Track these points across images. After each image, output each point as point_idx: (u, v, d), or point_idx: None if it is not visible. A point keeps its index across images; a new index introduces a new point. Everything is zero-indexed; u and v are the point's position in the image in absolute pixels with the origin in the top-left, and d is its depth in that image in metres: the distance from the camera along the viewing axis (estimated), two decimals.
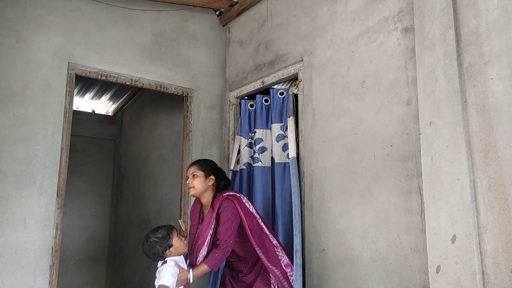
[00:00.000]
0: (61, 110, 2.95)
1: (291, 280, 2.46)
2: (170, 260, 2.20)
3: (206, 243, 2.36)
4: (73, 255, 5.64)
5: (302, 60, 3.01)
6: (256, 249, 2.38)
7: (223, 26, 3.98)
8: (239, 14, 3.76)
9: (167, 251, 2.21)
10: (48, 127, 2.88)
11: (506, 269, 1.73)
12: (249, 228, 2.37)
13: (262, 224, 2.46)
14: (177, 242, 2.23)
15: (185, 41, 3.71)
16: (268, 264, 2.38)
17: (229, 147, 3.65)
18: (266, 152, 3.26)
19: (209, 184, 2.47)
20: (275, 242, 2.47)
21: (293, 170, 2.83)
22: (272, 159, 3.21)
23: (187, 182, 2.47)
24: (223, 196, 2.41)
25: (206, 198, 2.48)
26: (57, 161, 2.88)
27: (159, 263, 2.26)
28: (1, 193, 2.67)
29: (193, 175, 2.44)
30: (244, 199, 2.48)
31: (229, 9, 3.79)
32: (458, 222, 1.87)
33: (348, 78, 2.63)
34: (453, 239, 1.88)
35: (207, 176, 2.47)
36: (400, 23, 2.35)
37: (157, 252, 2.19)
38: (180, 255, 2.27)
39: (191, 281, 2.22)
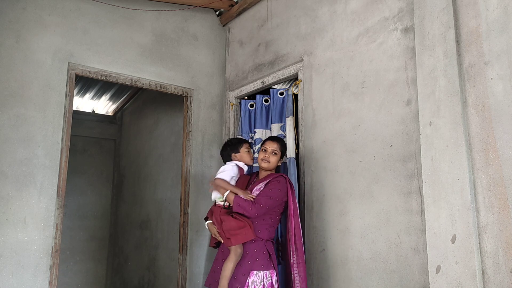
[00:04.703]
0: (61, 110, 2.95)
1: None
2: (232, 163, 2.65)
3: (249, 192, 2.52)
4: (73, 255, 5.64)
5: (302, 60, 3.01)
6: (291, 237, 2.46)
7: (223, 26, 3.98)
8: (239, 14, 3.76)
9: (233, 154, 2.69)
10: (48, 127, 2.88)
11: (506, 269, 1.73)
12: (291, 215, 2.48)
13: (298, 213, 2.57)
14: (244, 151, 2.69)
15: (185, 41, 3.71)
16: (294, 255, 2.44)
17: None
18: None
19: (278, 164, 2.69)
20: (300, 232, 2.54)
21: (291, 170, 2.83)
22: None
23: (265, 155, 2.61)
24: (281, 174, 2.58)
25: (267, 172, 2.64)
26: (57, 161, 2.88)
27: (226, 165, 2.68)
28: (1, 193, 2.67)
29: (274, 152, 2.62)
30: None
31: (229, 9, 3.79)
32: (458, 222, 1.87)
33: (348, 78, 2.63)
34: (453, 239, 1.88)
35: (281, 157, 2.68)
36: (400, 23, 2.35)
37: (227, 153, 2.71)
38: (245, 164, 2.70)
39: (224, 196, 2.49)
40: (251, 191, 2.56)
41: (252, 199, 2.42)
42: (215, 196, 2.56)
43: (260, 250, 2.41)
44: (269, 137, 2.77)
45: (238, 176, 2.65)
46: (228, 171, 2.59)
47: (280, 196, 2.47)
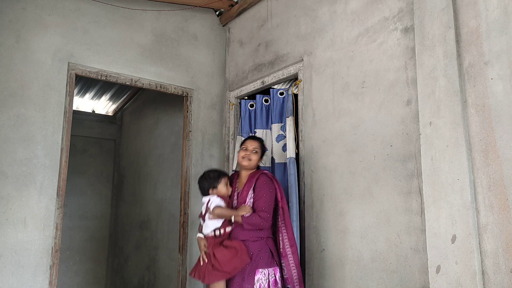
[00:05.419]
0: (61, 110, 2.95)
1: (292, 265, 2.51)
2: (215, 196, 2.54)
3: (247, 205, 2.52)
4: (73, 255, 5.64)
5: (302, 60, 3.01)
6: (282, 226, 2.53)
7: (223, 26, 3.98)
8: (239, 14, 3.76)
9: (211, 189, 2.56)
10: (48, 127, 2.88)
11: (506, 269, 1.73)
12: (283, 208, 2.55)
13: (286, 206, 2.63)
14: (221, 187, 2.57)
15: (185, 41, 3.71)
16: (287, 243, 2.50)
17: (229, 147, 3.65)
18: (266, 152, 3.26)
19: (258, 164, 2.71)
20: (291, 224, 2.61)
21: (291, 170, 2.84)
22: (272, 159, 3.22)
23: (246, 153, 2.63)
24: (262, 172, 2.60)
25: (249, 172, 2.66)
26: (57, 161, 2.88)
27: (204, 198, 2.59)
28: (1, 193, 2.67)
29: (255, 151, 2.64)
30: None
31: (229, 9, 3.79)
32: (458, 222, 1.87)
33: (348, 78, 2.63)
34: (453, 239, 1.88)
35: (261, 156, 2.70)
36: (400, 23, 2.35)
37: (204, 187, 2.59)
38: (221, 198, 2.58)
39: (233, 220, 2.45)
40: (239, 198, 2.55)
41: (252, 211, 2.43)
42: (209, 229, 2.47)
43: (263, 249, 2.44)
44: (248, 136, 2.81)
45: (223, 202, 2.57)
46: (216, 199, 2.51)
47: (273, 195, 2.52)
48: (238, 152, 2.69)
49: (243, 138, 3.40)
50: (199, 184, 2.62)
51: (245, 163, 2.62)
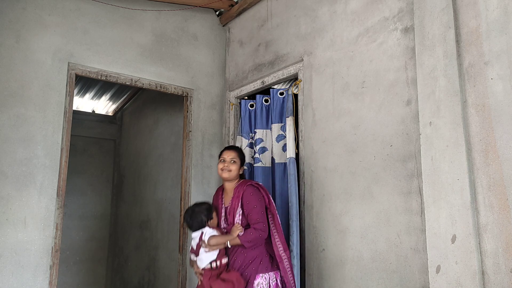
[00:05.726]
0: (61, 110, 2.95)
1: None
2: (206, 227, 2.48)
3: (237, 223, 2.49)
4: (73, 255, 5.64)
5: (302, 60, 3.01)
6: (273, 231, 2.50)
7: (223, 26, 3.98)
8: (239, 14, 3.76)
9: (208, 221, 2.49)
10: (48, 127, 2.88)
11: (506, 269, 1.73)
12: (272, 213, 2.52)
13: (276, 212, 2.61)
14: (214, 216, 2.55)
15: (185, 41, 3.71)
16: (280, 248, 2.47)
17: None
18: (266, 152, 3.26)
19: (240, 172, 2.64)
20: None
21: (291, 170, 2.84)
22: (273, 159, 3.22)
23: (225, 164, 2.58)
24: (247, 184, 2.53)
25: (233, 184, 2.60)
26: (57, 161, 2.88)
27: (195, 233, 2.51)
28: (1, 193, 2.67)
29: (233, 161, 2.58)
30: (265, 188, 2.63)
31: (229, 9, 3.79)
32: (458, 222, 1.87)
33: (348, 78, 2.63)
34: (453, 239, 1.88)
35: (241, 165, 2.63)
36: (400, 23, 2.35)
37: (201, 221, 2.48)
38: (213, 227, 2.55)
39: (229, 245, 2.42)
40: (228, 214, 2.52)
41: (243, 228, 2.42)
42: (204, 263, 2.42)
43: (262, 254, 2.44)
44: (225, 147, 2.75)
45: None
46: (209, 229, 2.45)
47: (263, 204, 2.48)
48: (218, 164, 2.63)
49: (243, 138, 3.41)
50: (193, 220, 2.48)
51: (225, 175, 2.56)
